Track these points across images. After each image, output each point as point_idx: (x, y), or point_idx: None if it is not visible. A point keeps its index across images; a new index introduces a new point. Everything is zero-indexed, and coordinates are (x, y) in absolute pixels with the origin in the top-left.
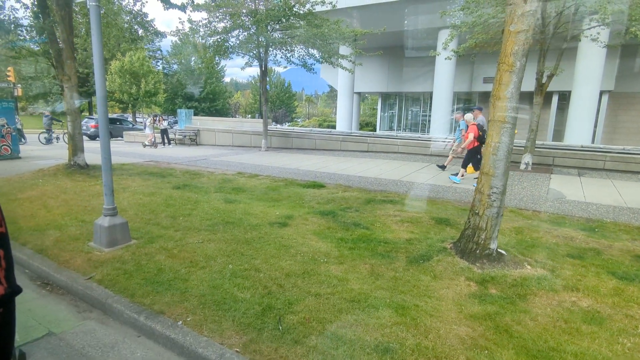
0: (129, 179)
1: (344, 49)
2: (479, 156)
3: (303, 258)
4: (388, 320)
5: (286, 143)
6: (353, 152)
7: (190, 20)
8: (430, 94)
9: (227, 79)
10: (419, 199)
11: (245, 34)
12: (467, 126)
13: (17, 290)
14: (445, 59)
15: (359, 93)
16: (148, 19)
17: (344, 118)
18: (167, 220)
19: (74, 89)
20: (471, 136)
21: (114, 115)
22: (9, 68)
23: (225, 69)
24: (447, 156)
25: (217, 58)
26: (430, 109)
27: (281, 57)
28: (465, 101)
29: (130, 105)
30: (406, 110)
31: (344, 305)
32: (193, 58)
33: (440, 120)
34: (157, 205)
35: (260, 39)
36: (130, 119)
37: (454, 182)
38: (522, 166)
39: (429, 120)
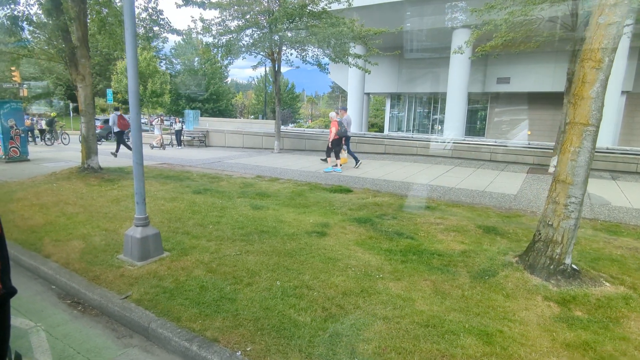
0: (146, 183)
1: (359, 49)
2: (339, 147)
3: (355, 273)
4: (475, 350)
5: (299, 145)
6: (370, 155)
7: (202, 19)
8: (441, 94)
9: (227, 80)
10: (457, 205)
11: (259, 32)
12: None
13: (13, 291)
14: (470, 58)
15: (367, 94)
16: (163, 15)
17: (354, 119)
18: (196, 228)
19: (88, 88)
20: (334, 130)
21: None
22: (12, 68)
23: (228, 69)
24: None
25: (225, 58)
26: (440, 110)
27: (297, 57)
28: (478, 102)
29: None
30: (415, 111)
31: (420, 332)
32: (197, 58)
33: (454, 121)
34: (182, 212)
35: (274, 38)
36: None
37: (334, 172)
38: (551, 169)
39: (439, 121)
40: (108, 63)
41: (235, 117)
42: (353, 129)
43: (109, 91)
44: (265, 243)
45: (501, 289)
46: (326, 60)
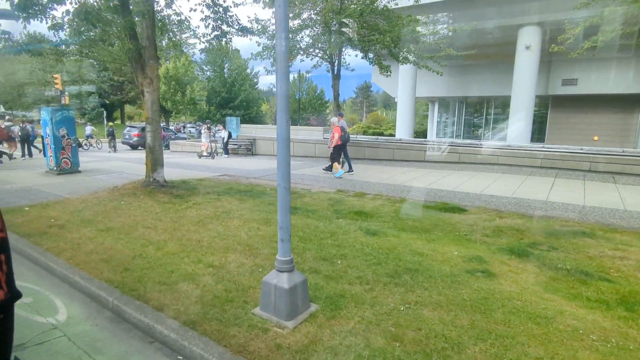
0: (222, 199)
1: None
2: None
3: (601, 345)
4: None
5: (357, 153)
6: (443, 164)
7: (257, 20)
8: (496, 98)
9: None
10: (616, 229)
11: (318, 32)
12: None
13: (17, 295)
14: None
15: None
16: (231, 12)
17: (405, 125)
18: (322, 265)
19: (155, 93)
20: (336, 136)
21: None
22: (55, 75)
23: (258, 75)
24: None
25: (252, 65)
26: (493, 115)
27: (362, 57)
28: (535, 105)
29: (173, 113)
30: (464, 116)
31: None
32: (227, 64)
33: (519, 126)
34: (292, 240)
35: (334, 38)
36: (172, 128)
37: (338, 177)
38: None
39: (492, 126)
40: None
41: (267, 124)
42: (404, 136)
43: None
44: (427, 288)
45: None
46: (386, 61)
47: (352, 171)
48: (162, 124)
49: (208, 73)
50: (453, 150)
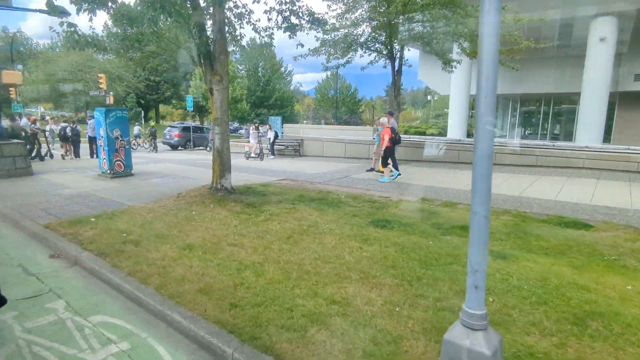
0: (299, 209)
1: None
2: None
3: None
4: None
5: (416, 155)
6: (518, 168)
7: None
8: (556, 95)
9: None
10: None
11: (379, 26)
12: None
13: (3, 301)
14: None
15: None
16: (300, 2)
17: (457, 124)
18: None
19: (225, 92)
20: (386, 138)
21: (196, 124)
22: (100, 75)
23: (292, 74)
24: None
25: (340, 57)
26: (553, 113)
27: (427, 50)
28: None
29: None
30: (523, 115)
31: None
32: (261, 63)
33: (591, 126)
34: (405, 264)
35: (397, 32)
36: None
37: (384, 182)
38: None
39: (549, 126)
40: (175, 70)
41: (301, 123)
42: (456, 136)
43: (189, 97)
44: (638, 344)
45: None
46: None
47: (399, 174)
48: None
49: (242, 72)
50: (529, 152)
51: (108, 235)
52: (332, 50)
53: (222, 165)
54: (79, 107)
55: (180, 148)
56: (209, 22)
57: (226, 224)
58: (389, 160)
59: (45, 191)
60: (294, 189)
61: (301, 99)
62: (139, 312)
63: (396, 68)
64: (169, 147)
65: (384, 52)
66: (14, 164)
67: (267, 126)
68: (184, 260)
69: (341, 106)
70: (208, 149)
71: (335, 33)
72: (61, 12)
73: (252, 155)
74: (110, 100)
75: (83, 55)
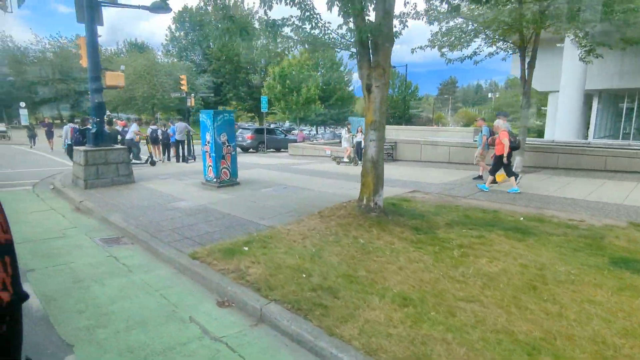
0: (489, 239)
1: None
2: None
3: None
4: None
5: (545, 161)
6: None
7: None
8: None
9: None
10: None
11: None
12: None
13: (24, 296)
14: None
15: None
16: None
17: (569, 123)
18: None
19: (385, 89)
20: (506, 142)
21: (271, 126)
22: (181, 76)
23: (352, 72)
24: None
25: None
26: None
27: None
28: None
29: (287, 114)
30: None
31: None
32: (321, 61)
33: None
34: None
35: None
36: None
37: (482, 190)
38: None
39: None
40: (237, 71)
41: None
42: (564, 136)
43: (264, 98)
44: None
45: None
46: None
47: (497, 183)
48: (266, 125)
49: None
50: None
51: (283, 276)
52: (455, 39)
53: (377, 178)
54: (146, 110)
55: (251, 150)
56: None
57: (417, 260)
58: (492, 168)
59: (158, 204)
60: (444, 206)
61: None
62: None
63: (528, 60)
64: (239, 150)
65: (509, 42)
66: (117, 171)
67: (359, 128)
68: (423, 329)
69: (401, 105)
70: (288, 153)
71: (457, 20)
72: (161, 8)
73: (345, 160)
74: (191, 102)
75: (148, 60)
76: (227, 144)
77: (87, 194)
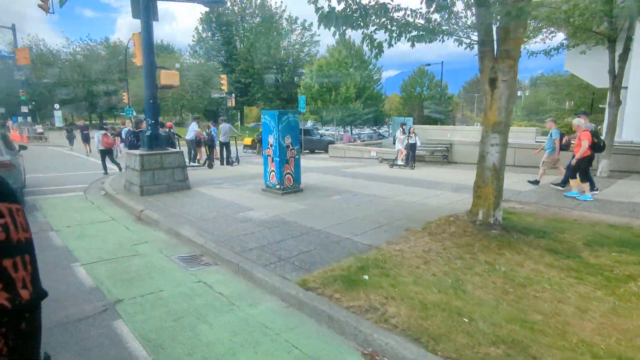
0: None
1: None
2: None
3: None
4: None
5: (636, 164)
6: None
7: None
8: None
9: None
10: None
11: None
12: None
13: (43, 294)
14: None
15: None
16: None
17: (637, 122)
18: None
19: (513, 84)
20: (585, 144)
21: (307, 126)
22: (222, 76)
23: (381, 71)
24: None
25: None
26: None
27: None
28: None
29: (323, 114)
30: None
31: None
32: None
33: None
34: None
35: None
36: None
37: (586, 200)
38: None
39: None
40: (263, 69)
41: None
42: (632, 136)
43: (302, 98)
44: None
45: None
46: None
47: (597, 190)
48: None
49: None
50: None
51: (439, 320)
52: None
53: (498, 190)
54: (175, 110)
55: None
56: None
57: (590, 297)
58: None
59: (226, 214)
60: (557, 219)
61: (386, 98)
62: None
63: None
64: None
65: (596, 31)
66: (172, 176)
67: (412, 129)
68: None
69: (431, 104)
70: (328, 155)
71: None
72: (216, 2)
73: (399, 162)
74: (232, 102)
75: (177, 60)
76: (291, 147)
77: (146, 202)
